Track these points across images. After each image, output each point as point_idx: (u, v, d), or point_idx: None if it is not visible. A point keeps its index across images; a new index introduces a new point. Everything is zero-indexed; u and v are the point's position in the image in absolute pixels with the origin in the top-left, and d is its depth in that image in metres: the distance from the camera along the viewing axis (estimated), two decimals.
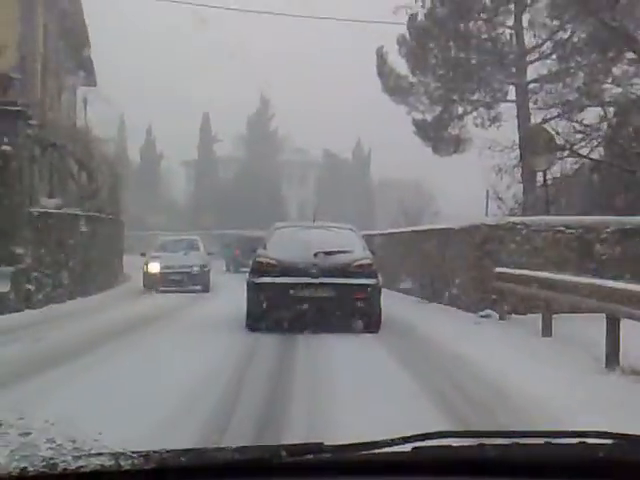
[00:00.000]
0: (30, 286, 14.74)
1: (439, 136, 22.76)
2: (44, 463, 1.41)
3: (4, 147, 13.52)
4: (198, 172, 68.02)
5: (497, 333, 11.30)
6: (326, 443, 1.50)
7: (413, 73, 22.54)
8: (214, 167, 67.93)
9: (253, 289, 11.67)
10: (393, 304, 16.06)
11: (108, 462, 1.40)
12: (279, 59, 77.55)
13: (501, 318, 12.79)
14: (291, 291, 11.37)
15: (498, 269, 12.86)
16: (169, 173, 71.16)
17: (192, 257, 21.50)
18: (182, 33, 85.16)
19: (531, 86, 22.15)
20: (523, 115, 21.02)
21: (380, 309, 11.62)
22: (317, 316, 11.47)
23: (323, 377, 8.04)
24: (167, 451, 1.49)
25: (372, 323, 11.49)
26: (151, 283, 20.74)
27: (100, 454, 1.44)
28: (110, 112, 60.60)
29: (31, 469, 1.39)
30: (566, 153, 17.64)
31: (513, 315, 12.78)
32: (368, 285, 11.51)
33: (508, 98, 22.54)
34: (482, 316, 13.07)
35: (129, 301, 18.26)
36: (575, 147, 17.91)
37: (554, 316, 10.81)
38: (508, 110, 22.92)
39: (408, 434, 1.53)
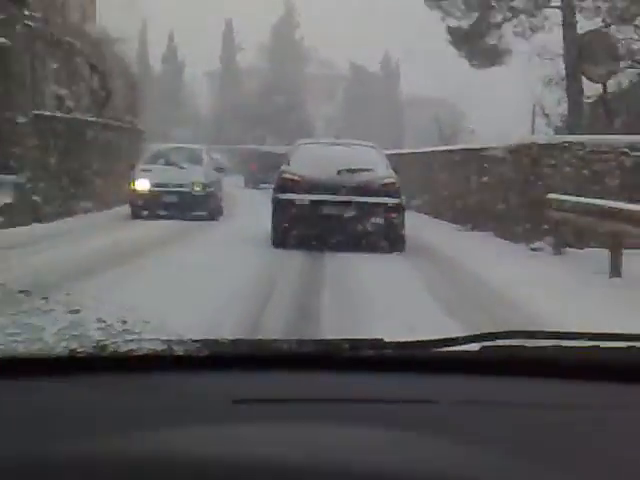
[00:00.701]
0: (36, 197, 13.65)
1: (476, 46, 21.17)
2: (94, 344, 1.34)
3: None
4: (221, 83, 66.29)
5: (556, 271, 9.91)
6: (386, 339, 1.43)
7: None
8: (237, 78, 66.16)
9: (278, 205, 11.73)
10: (429, 231, 15.17)
11: (161, 347, 1.34)
12: None
13: (555, 252, 11.44)
14: (315, 208, 11.39)
15: (551, 195, 11.51)
16: (192, 83, 69.41)
17: (193, 172, 16.57)
18: None
19: None
20: (570, 22, 19.34)
21: (404, 228, 11.57)
22: (340, 234, 11.48)
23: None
24: (223, 340, 1.45)
25: (397, 242, 11.43)
26: (139, 206, 16.17)
27: (152, 339, 1.38)
28: (130, 15, 59.00)
29: (80, 350, 1.32)
30: (628, 63, 15.96)
31: (568, 248, 11.44)
32: (392, 204, 11.44)
33: (552, 4, 20.78)
34: (533, 249, 11.77)
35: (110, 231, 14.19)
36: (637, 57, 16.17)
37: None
38: (550, 18, 21.26)
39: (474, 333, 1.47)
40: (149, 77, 64.60)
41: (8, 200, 12.76)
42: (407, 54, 61.42)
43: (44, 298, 1.68)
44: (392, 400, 1.29)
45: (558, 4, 20.38)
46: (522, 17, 21.44)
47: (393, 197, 11.53)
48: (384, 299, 7.74)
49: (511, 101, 23.38)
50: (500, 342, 1.46)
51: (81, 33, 19.50)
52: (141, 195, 16.07)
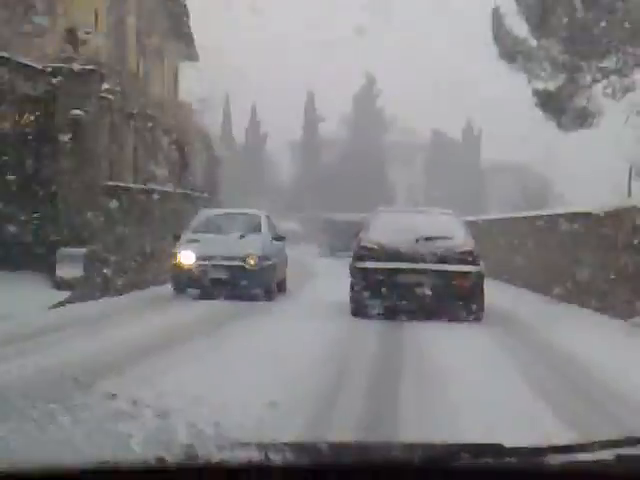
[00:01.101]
0: (107, 270, 13.31)
1: (564, 108, 20.31)
2: (184, 453, 1.24)
3: (74, 111, 12.06)
4: (303, 153, 66.81)
5: None
6: (506, 445, 1.29)
7: (534, 36, 20.15)
8: (318, 148, 66.59)
9: (357, 274, 11.74)
10: (518, 303, 14.20)
11: (257, 455, 1.24)
12: (386, 33, 75.28)
13: None
14: (393, 276, 11.35)
15: None
16: (274, 154, 70.25)
17: (248, 243, 14.00)
18: (289, 7, 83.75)
19: None
20: None
21: (483, 296, 11.47)
22: (419, 302, 11.42)
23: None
24: (321, 443, 1.33)
25: (476, 311, 11.32)
26: (182, 282, 13.82)
27: (247, 444, 1.28)
28: (215, 90, 60.35)
29: (169, 460, 1.22)
30: None
31: None
32: (471, 272, 11.39)
33: None
34: (637, 325, 10.59)
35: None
36: None
37: None
38: None
39: (605, 439, 1.30)
40: (232, 149, 65.81)
41: (79, 273, 12.41)
42: (489, 122, 60.89)
43: (132, 402, 1.58)
44: None
45: None
46: (613, 78, 20.54)
47: (472, 264, 11.49)
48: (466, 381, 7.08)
49: (602, 165, 22.33)
50: (637, 449, 1.30)
51: (160, 105, 19.58)
52: (185, 269, 13.61)
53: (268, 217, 15.48)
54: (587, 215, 13.58)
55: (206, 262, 13.61)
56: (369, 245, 11.82)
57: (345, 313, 11.75)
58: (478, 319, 11.23)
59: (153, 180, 16.08)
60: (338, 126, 68.89)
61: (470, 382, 7.02)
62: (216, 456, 1.24)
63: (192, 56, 32.66)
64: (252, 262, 13.53)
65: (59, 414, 1.48)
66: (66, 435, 1.31)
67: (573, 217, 14.60)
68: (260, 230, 14.59)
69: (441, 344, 9.25)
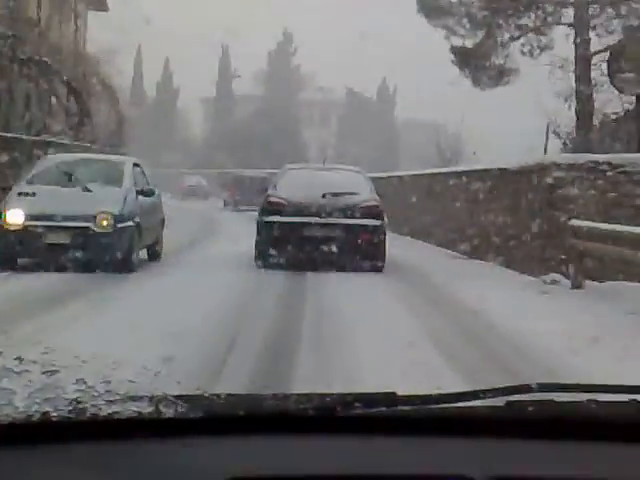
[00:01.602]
0: None
1: (481, 65, 19.94)
2: (70, 407, 1.21)
3: None
4: (216, 109, 65.35)
5: (583, 311, 8.26)
6: (399, 393, 1.31)
7: None
8: (232, 105, 65.23)
9: (263, 227, 11.93)
10: (426, 258, 14.14)
11: (147, 408, 1.22)
12: None
13: (575, 286, 9.98)
14: (299, 230, 11.67)
15: (575, 222, 10.11)
16: (186, 110, 68.58)
17: (102, 197, 10.82)
18: None
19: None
20: (583, 39, 18.14)
21: (384, 248, 11.93)
22: (323, 254, 11.67)
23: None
24: (215, 396, 1.30)
25: (377, 263, 11.80)
26: (8, 250, 10.59)
27: (138, 398, 1.25)
28: (126, 42, 58.15)
29: (54, 414, 1.20)
30: None
31: (588, 282, 9.97)
32: (374, 226, 11.84)
33: (563, 22, 19.61)
34: (547, 282, 10.34)
35: None
36: None
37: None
38: (559, 37, 20.11)
39: (497, 386, 1.36)
40: (143, 103, 63.82)
41: None
42: (404, 81, 60.76)
43: (17, 358, 1.45)
44: (419, 476, 1.14)
45: (569, 21, 19.21)
46: (530, 35, 20.27)
47: (375, 219, 11.95)
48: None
49: (519, 124, 22.27)
50: (526, 396, 1.33)
51: (60, 53, 18.28)
52: (12, 232, 10.31)
53: (137, 165, 12.23)
54: (498, 172, 13.31)
55: (42, 223, 10.27)
56: (276, 200, 12.07)
57: (248, 266, 11.69)
58: (379, 270, 11.71)
59: (48, 132, 14.90)
60: (253, 83, 67.68)
61: (366, 330, 7.12)
62: (104, 410, 1.21)
63: (101, 5, 31.05)
64: (104, 223, 10.38)
65: None
66: None
67: (483, 174, 14.32)
68: (121, 182, 11.16)
69: (341, 294, 9.36)
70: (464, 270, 12.31)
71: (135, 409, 1.22)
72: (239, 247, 13.21)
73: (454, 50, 20.15)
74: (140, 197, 11.36)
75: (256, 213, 12.56)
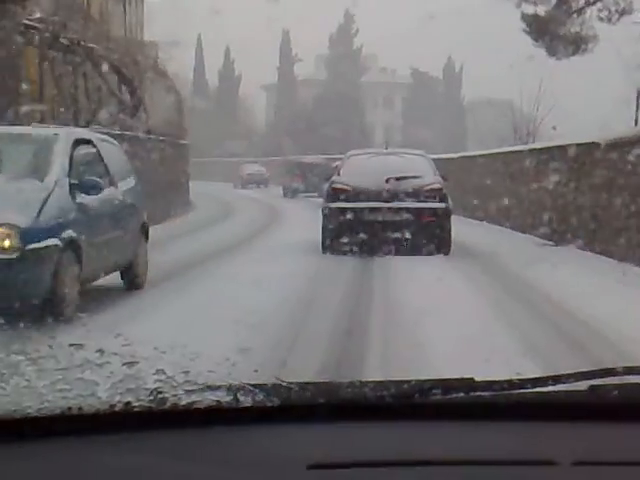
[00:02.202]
0: None
1: (555, 34, 18.51)
2: (151, 397, 1.26)
3: None
4: (278, 96, 64.53)
5: None
6: (477, 379, 1.31)
7: None
8: (294, 90, 64.27)
9: (328, 214, 11.93)
10: (507, 246, 12.91)
11: (226, 397, 1.26)
12: None
13: None
14: (364, 215, 11.68)
15: None
16: (249, 97, 67.93)
17: (7, 199, 6.55)
18: None
19: None
20: None
21: (450, 231, 11.85)
22: (389, 238, 11.68)
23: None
24: (293, 384, 1.33)
25: (443, 246, 11.70)
26: None
27: (216, 387, 1.29)
28: (186, 31, 57.73)
29: (136, 404, 1.24)
30: None
31: None
32: (438, 208, 11.79)
33: None
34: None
35: None
36: None
37: None
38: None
39: (582, 370, 1.35)
40: (206, 93, 63.45)
41: None
42: (470, 58, 58.95)
43: (98, 350, 1.56)
44: (500, 461, 1.13)
45: None
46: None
47: (440, 202, 11.88)
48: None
49: (597, 96, 20.85)
50: (611, 380, 1.32)
51: (114, 41, 17.56)
52: None
53: (87, 143, 7.89)
54: (585, 148, 12.14)
55: None
56: (341, 186, 12.11)
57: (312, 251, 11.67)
58: (446, 253, 11.60)
59: (98, 123, 14.14)
60: (315, 67, 66.62)
61: (435, 308, 7.00)
62: (184, 399, 1.23)
63: None
64: (3, 243, 6.16)
65: (23, 365, 1.48)
66: (30, 385, 1.30)
67: (568, 150, 13.02)
68: (46, 172, 6.98)
69: (409, 276, 9.39)
70: (557, 260, 10.73)
71: (214, 398, 1.24)
72: (297, 233, 13.14)
73: (526, 19, 18.74)
74: (84, 196, 7.15)
75: (314, 199, 13.45)
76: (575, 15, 18.80)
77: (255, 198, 31.71)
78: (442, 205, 11.87)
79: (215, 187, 37.26)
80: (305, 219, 16.59)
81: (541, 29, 18.65)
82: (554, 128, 24.70)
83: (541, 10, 18.76)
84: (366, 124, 59.82)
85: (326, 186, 12.77)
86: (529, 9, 18.71)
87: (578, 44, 18.51)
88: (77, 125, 13.26)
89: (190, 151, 28.90)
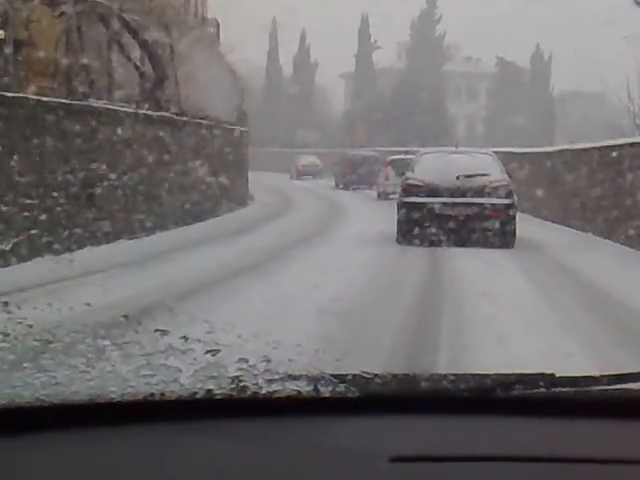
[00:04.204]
0: None
1: None
2: (233, 385, 1.29)
3: None
4: (355, 84, 61.83)
5: None
6: (557, 374, 1.32)
7: None
8: (373, 79, 61.39)
9: (403, 207, 12.89)
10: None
11: (306, 387, 1.29)
12: None
13: None
14: (436, 209, 12.51)
15: None
16: (325, 86, 65.37)
17: None
18: None
19: None
20: None
21: (515, 226, 12.56)
22: (459, 231, 12.44)
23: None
24: (373, 375, 1.35)
25: (508, 238, 12.37)
26: None
27: (297, 377, 1.32)
28: (260, 15, 55.62)
29: (218, 391, 1.28)
30: None
31: None
32: (504, 204, 12.54)
33: None
34: None
35: None
36: None
37: None
38: None
39: None
40: (279, 79, 61.26)
41: None
42: (561, 44, 55.32)
43: (183, 337, 1.56)
44: (582, 459, 1.11)
45: None
46: None
47: (506, 198, 12.65)
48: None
49: None
50: None
51: (161, 14, 15.19)
52: None
53: None
54: None
55: None
56: (414, 182, 13.04)
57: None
58: (510, 246, 12.23)
59: (112, 99, 11.74)
60: (395, 55, 63.80)
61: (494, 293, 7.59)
62: (265, 388, 1.25)
63: None
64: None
65: (109, 350, 1.50)
66: (115, 370, 1.32)
67: None
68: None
69: (480, 268, 9.91)
70: None
71: (294, 388, 1.26)
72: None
73: None
74: None
75: (365, 191, 15.01)
76: None
77: (307, 188, 33.36)
78: (508, 201, 12.64)
79: (272, 178, 37.86)
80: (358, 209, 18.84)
81: None
82: None
83: None
84: (448, 115, 56.59)
85: (400, 181, 13.91)
86: None
87: None
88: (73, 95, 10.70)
89: (250, 139, 26.59)
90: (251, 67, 57.67)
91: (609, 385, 1.27)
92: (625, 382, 1.27)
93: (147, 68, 13.34)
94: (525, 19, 60.33)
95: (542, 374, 1.29)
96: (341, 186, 34.04)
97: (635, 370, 1.32)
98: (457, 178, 12.65)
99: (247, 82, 54.98)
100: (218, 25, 26.83)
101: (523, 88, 60.99)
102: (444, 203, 12.52)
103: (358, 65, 62.35)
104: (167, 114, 13.31)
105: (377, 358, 5.13)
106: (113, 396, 1.24)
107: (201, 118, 15.31)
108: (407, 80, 56.07)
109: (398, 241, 12.69)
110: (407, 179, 13.29)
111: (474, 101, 65.19)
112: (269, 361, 1.42)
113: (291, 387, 1.26)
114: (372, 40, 62.53)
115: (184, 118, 14.22)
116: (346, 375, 1.30)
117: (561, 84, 60.30)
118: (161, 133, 12.59)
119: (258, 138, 51.29)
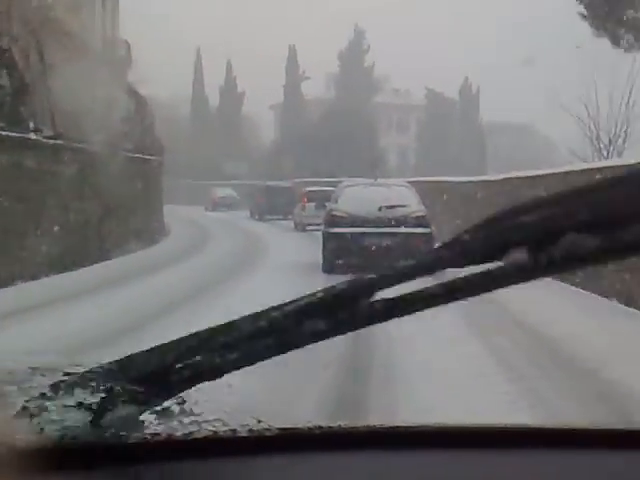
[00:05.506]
0: None
1: (619, 19, 14.05)
2: (146, 429, 1.16)
3: None
4: (284, 114, 60.47)
5: None
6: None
7: None
8: (302, 109, 60.15)
9: (328, 238, 13.57)
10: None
11: (222, 427, 1.17)
12: None
13: None
14: (360, 239, 13.23)
15: None
16: (253, 116, 63.81)
17: None
18: None
19: None
20: None
21: None
22: (382, 260, 12.40)
23: None
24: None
25: None
26: None
27: (212, 419, 1.20)
28: (182, 42, 53.87)
29: (132, 437, 1.12)
30: None
31: None
32: (423, 234, 13.20)
33: None
34: None
35: None
36: None
37: None
38: None
39: None
40: (205, 108, 59.45)
41: None
42: (488, 79, 55.28)
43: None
44: None
45: None
46: None
47: (424, 227, 13.35)
48: None
49: None
50: None
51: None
52: None
53: None
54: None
55: None
56: (338, 214, 13.64)
57: None
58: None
59: None
60: (325, 86, 62.81)
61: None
62: (180, 431, 1.14)
63: None
64: None
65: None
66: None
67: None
68: None
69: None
70: None
71: (211, 428, 1.17)
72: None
73: (586, 1, 14.28)
74: None
75: (282, 222, 16.36)
76: None
77: (225, 220, 33.44)
78: (426, 230, 13.36)
79: (191, 211, 38.01)
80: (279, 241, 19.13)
81: (602, 13, 14.17)
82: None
83: None
84: (379, 146, 55.68)
85: (324, 213, 14.68)
86: None
87: None
88: None
89: (167, 169, 24.70)
90: (177, 96, 55.96)
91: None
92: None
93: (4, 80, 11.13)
94: (453, 51, 60.09)
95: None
96: (257, 217, 34.69)
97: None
98: (379, 209, 13.35)
99: (171, 111, 53.18)
100: (128, 47, 24.94)
101: (453, 119, 60.80)
102: (367, 233, 13.20)
103: (287, 96, 61.20)
104: (33, 136, 11.04)
105: (302, 392, 5.08)
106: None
107: (80, 142, 13.00)
108: (336, 110, 55.05)
109: (324, 270, 13.23)
110: (331, 211, 13.91)
111: (405, 132, 64.81)
112: (183, 402, 1.16)
113: (207, 428, 1.15)
114: (301, 71, 61.47)
115: (58, 142, 11.90)
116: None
117: (492, 115, 60.28)
118: (26, 159, 10.42)
119: (185, 170, 49.69)
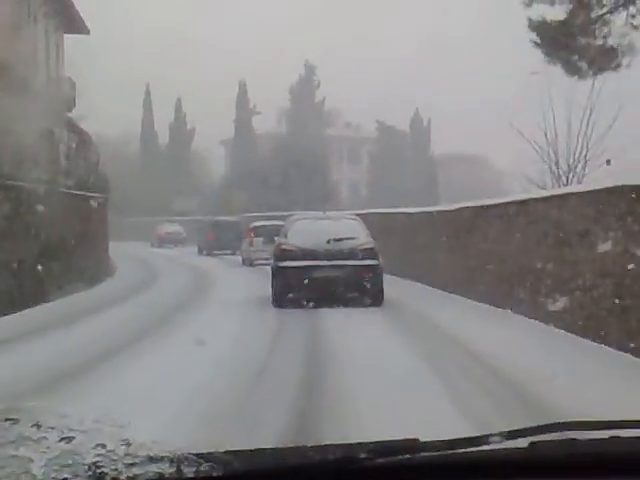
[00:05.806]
0: None
1: (576, 42, 13.82)
2: (89, 473, 1.22)
3: None
4: (234, 150, 59.91)
5: None
6: (422, 439, 1.33)
7: None
8: (253, 144, 59.63)
9: (277, 272, 13.52)
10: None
11: (168, 469, 1.23)
12: (324, 18, 69.13)
13: None
14: (309, 272, 13.16)
15: None
16: (203, 152, 63.11)
17: None
18: None
19: None
20: None
21: (382, 285, 13.48)
22: (332, 292, 13.21)
23: None
24: (235, 452, 1.33)
25: (375, 297, 13.35)
26: None
27: (158, 459, 1.25)
28: (131, 78, 53.15)
29: None
30: None
31: None
32: (372, 265, 13.41)
33: None
34: None
35: None
36: None
37: None
38: None
39: (519, 427, 1.35)
40: (155, 145, 58.70)
41: None
42: (439, 111, 55.61)
43: (35, 425, 1.38)
44: None
45: None
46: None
47: (372, 259, 13.48)
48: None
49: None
50: (549, 436, 1.33)
51: None
52: None
53: None
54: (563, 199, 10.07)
55: None
56: (287, 247, 13.61)
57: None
58: (378, 304, 13.14)
59: None
60: (275, 120, 62.49)
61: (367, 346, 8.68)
62: (125, 474, 1.20)
63: (80, 29, 26.74)
64: None
65: None
66: None
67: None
68: None
69: (348, 324, 10.95)
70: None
71: (157, 470, 1.20)
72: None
73: (536, 25, 14.04)
74: None
75: (230, 257, 15.68)
76: (600, 22, 14.15)
77: (172, 256, 33.04)
78: (375, 262, 13.47)
79: (138, 248, 37.46)
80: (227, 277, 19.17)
81: (555, 38, 13.94)
82: (608, 163, 19.92)
83: (558, 13, 14.08)
84: (331, 179, 55.38)
85: (273, 247, 14.50)
86: (540, 10, 14.00)
87: (609, 57, 13.77)
88: None
89: (112, 207, 23.93)
90: (126, 133, 55.18)
91: (469, 447, 1.27)
92: (483, 444, 1.26)
93: None
94: (403, 84, 60.38)
95: (406, 440, 1.28)
96: (204, 252, 34.38)
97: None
98: (328, 242, 13.33)
99: (121, 148, 52.24)
100: (73, 84, 24.25)
101: (404, 151, 60.95)
102: (317, 266, 13.14)
103: (237, 130, 60.67)
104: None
105: (250, 432, 5.13)
106: None
107: (13, 180, 12.23)
108: (287, 144, 54.70)
109: (274, 304, 13.17)
110: (280, 245, 13.82)
111: (357, 165, 64.74)
112: (129, 444, 1.20)
113: (153, 470, 1.19)
114: (252, 105, 61.04)
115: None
116: (211, 453, 1.25)
117: (443, 147, 60.53)
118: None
119: (134, 206, 48.85)
